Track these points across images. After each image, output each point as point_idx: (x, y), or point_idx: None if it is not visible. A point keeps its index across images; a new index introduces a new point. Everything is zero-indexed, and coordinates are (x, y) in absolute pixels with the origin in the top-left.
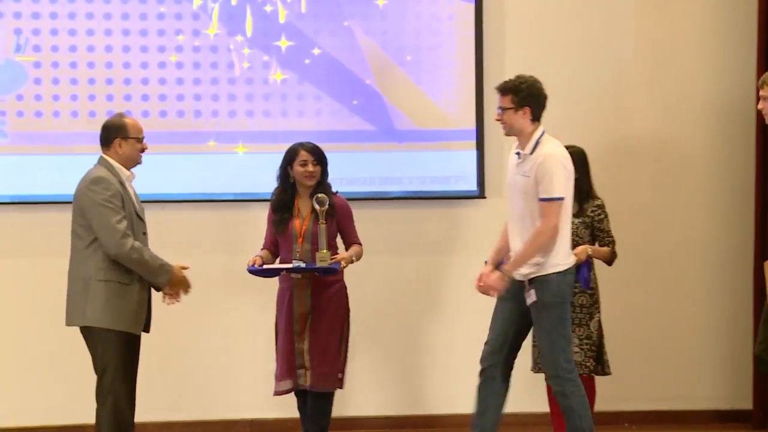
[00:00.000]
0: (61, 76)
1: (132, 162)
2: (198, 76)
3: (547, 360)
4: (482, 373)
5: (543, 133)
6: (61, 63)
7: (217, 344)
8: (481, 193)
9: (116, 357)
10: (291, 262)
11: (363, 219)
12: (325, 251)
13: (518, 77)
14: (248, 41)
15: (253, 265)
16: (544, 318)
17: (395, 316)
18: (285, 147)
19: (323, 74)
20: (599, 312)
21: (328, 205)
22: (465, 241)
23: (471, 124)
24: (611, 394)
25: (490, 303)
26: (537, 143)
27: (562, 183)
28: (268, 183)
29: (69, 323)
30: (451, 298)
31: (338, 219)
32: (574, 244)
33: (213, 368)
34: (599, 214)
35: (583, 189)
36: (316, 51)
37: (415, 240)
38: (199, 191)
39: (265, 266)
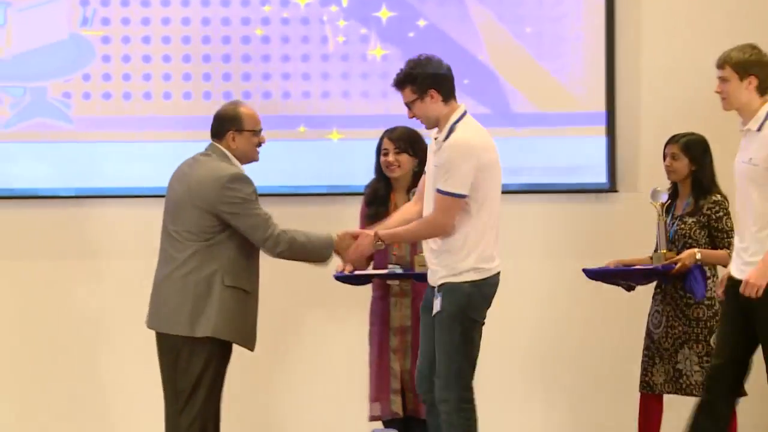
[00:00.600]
0: (132, 53)
1: (247, 158)
2: (286, 52)
3: (442, 380)
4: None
5: (461, 116)
6: (133, 38)
7: (302, 361)
8: (611, 187)
9: (214, 373)
10: (386, 267)
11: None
12: (424, 254)
13: (408, 64)
14: (344, 12)
15: (341, 271)
16: (445, 332)
17: (519, 325)
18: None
19: (429, 49)
20: None
21: None
22: (593, 242)
23: (600, 107)
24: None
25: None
26: (451, 129)
27: (465, 177)
28: (365, 174)
29: (167, 329)
30: (576, 306)
31: None
32: (687, 247)
33: (299, 388)
34: (717, 212)
35: (702, 183)
36: (421, 23)
37: (533, 240)
38: (289, 183)
39: (356, 272)
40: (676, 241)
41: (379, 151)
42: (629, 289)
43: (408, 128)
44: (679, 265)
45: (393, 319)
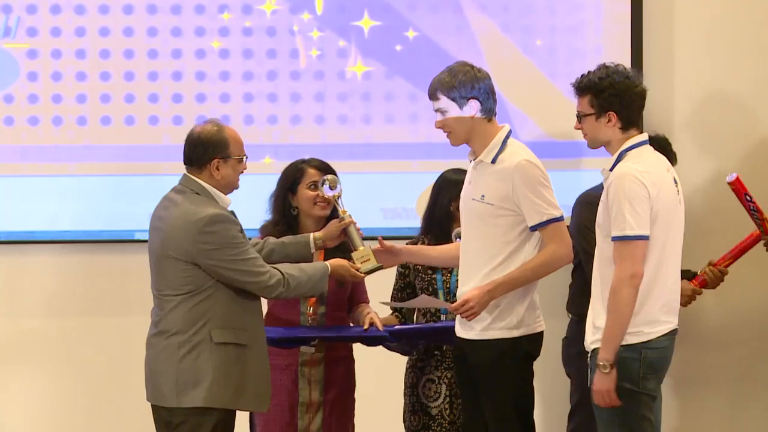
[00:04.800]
0: (64, 70)
1: (230, 188)
2: (249, 69)
3: None
4: None
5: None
6: (65, 52)
7: None
8: None
9: None
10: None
11: None
12: (362, 248)
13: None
14: (318, 20)
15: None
16: None
17: None
18: (370, 165)
19: (420, 65)
20: None
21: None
22: None
23: None
24: None
25: None
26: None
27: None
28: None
29: (159, 401)
30: None
31: None
32: None
33: None
34: None
35: None
36: (410, 33)
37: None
38: (251, 226)
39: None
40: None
41: (291, 185)
42: (406, 354)
43: (318, 159)
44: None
45: (302, 393)
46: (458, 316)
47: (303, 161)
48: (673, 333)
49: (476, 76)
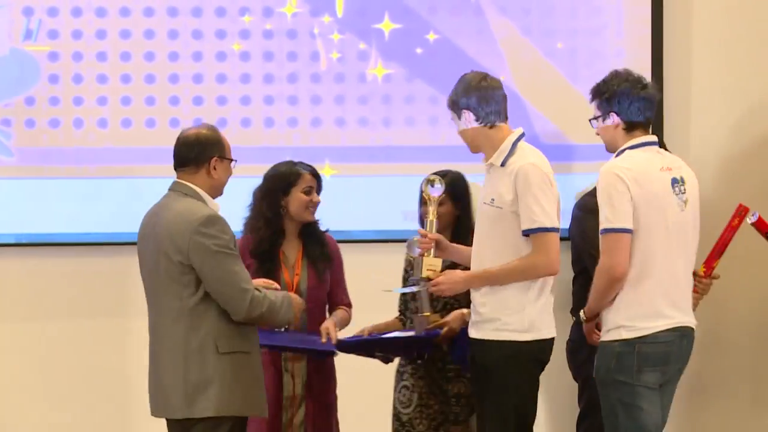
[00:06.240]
0: (85, 72)
1: (219, 191)
2: (270, 72)
3: None
4: None
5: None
6: (86, 54)
7: None
8: None
9: None
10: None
11: None
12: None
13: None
14: (339, 23)
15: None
16: None
17: None
18: (390, 168)
19: (441, 68)
20: None
21: (323, 250)
22: None
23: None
24: None
25: None
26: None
27: None
28: (364, 218)
29: (170, 414)
30: None
31: (332, 269)
32: (450, 308)
33: None
34: None
35: (466, 229)
36: (431, 36)
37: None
38: None
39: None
40: (434, 301)
41: (286, 188)
42: (387, 361)
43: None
44: (446, 329)
45: (286, 387)
46: (472, 317)
47: (295, 164)
48: (678, 330)
49: (470, 85)
